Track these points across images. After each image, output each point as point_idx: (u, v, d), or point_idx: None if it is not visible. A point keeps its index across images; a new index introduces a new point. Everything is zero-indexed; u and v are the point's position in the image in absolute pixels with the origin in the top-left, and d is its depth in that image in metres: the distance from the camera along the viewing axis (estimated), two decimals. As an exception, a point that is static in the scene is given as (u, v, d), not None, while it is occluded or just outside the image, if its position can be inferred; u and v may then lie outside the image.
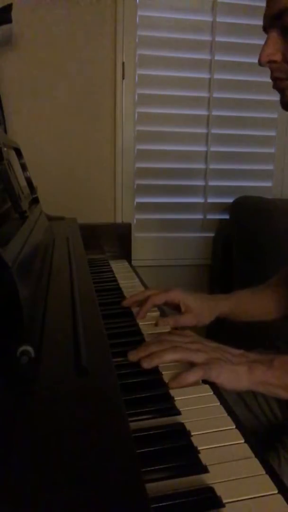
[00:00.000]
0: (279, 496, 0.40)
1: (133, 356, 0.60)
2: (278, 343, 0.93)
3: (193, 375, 0.56)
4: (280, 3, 0.62)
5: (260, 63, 0.66)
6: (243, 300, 0.88)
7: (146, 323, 0.78)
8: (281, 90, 0.69)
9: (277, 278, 0.94)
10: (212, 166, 1.73)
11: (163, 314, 0.83)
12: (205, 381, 0.59)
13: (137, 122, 1.64)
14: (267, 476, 0.42)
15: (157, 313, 0.83)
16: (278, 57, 0.65)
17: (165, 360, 0.58)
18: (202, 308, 0.81)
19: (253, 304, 0.88)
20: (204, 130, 1.70)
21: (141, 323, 0.78)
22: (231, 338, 0.80)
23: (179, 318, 0.79)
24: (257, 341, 0.81)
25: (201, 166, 1.73)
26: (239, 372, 0.57)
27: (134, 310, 0.82)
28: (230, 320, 0.87)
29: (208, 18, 1.62)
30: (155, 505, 0.37)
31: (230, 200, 1.70)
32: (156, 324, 0.77)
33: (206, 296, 0.85)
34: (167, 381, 0.58)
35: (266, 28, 0.67)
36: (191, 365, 0.58)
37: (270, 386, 0.58)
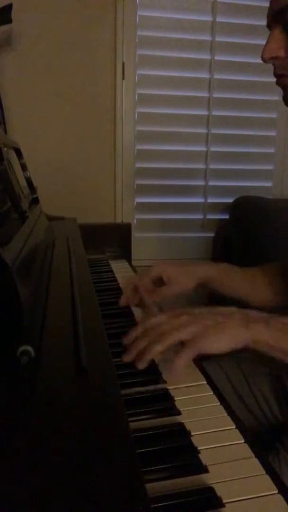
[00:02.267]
0: (279, 496, 0.40)
1: (126, 358, 0.58)
2: None
3: (182, 359, 0.53)
4: (283, 0, 0.62)
5: (263, 59, 0.66)
6: (229, 273, 0.85)
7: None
8: (284, 87, 0.69)
9: (272, 266, 0.92)
10: (212, 166, 1.73)
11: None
12: (206, 379, 0.59)
13: (137, 122, 1.64)
14: (267, 476, 0.42)
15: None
16: (281, 53, 0.65)
17: (155, 354, 0.55)
18: (182, 275, 0.80)
19: (237, 281, 0.86)
20: (204, 130, 1.70)
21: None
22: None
23: (162, 290, 0.78)
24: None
25: (201, 166, 1.73)
26: (233, 331, 0.55)
27: (134, 308, 0.83)
28: (212, 290, 0.85)
29: (208, 18, 1.62)
30: (155, 505, 0.37)
31: (230, 200, 1.70)
32: (142, 303, 0.77)
33: (189, 262, 0.84)
34: (166, 379, 0.58)
35: (269, 25, 0.66)
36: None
37: (266, 346, 0.56)
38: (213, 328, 0.55)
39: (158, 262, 0.83)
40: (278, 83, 0.69)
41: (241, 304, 0.87)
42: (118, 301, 0.85)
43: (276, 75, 0.68)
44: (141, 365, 0.56)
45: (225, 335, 0.54)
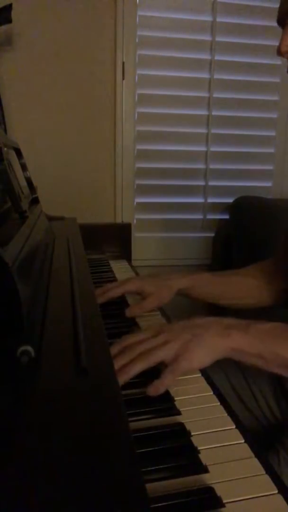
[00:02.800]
0: (279, 496, 0.40)
1: None
2: None
3: (166, 381, 0.54)
4: None
5: (280, 53, 0.69)
6: (203, 280, 0.89)
7: (146, 324, 0.78)
8: None
9: (251, 267, 0.95)
10: (212, 166, 1.73)
11: (163, 314, 0.84)
12: (206, 378, 0.59)
13: (137, 122, 1.64)
14: (267, 476, 0.42)
15: (157, 312, 0.84)
16: None
17: (134, 374, 0.55)
18: (160, 289, 0.83)
19: (213, 287, 0.90)
20: (204, 130, 1.70)
21: (141, 323, 0.78)
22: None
23: (142, 304, 0.81)
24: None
25: (201, 166, 1.73)
26: (213, 343, 0.55)
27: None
28: (189, 298, 0.89)
29: (208, 18, 1.62)
30: (155, 505, 0.37)
31: (230, 200, 1.70)
32: (125, 314, 0.79)
33: (163, 276, 0.86)
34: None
35: (282, 21, 0.68)
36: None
37: (246, 354, 0.56)
38: (192, 343, 0.55)
39: (131, 278, 0.88)
40: None
41: (219, 306, 0.92)
42: (118, 301, 0.86)
43: None
44: (122, 380, 0.54)
45: (205, 348, 0.55)
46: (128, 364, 0.55)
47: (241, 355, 0.56)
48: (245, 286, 0.92)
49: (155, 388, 0.53)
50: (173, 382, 0.55)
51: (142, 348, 0.56)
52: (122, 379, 0.53)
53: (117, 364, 0.55)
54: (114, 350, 0.58)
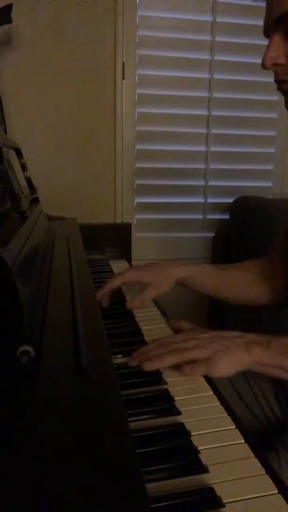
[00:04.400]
0: (279, 496, 0.40)
1: (133, 361, 0.60)
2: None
3: (195, 370, 0.59)
4: (283, 6, 0.62)
5: (264, 67, 0.67)
6: (203, 272, 0.89)
7: (146, 324, 0.78)
8: (285, 92, 0.70)
9: (248, 263, 0.96)
10: (212, 166, 1.73)
11: (163, 314, 0.84)
12: (206, 377, 0.60)
13: (137, 122, 1.64)
14: (267, 476, 0.42)
15: (157, 313, 0.84)
16: (282, 60, 0.65)
17: (166, 364, 0.59)
18: (159, 278, 0.83)
19: (212, 279, 0.90)
20: (204, 130, 1.70)
21: (141, 323, 0.78)
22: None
23: (142, 295, 0.82)
24: (259, 332, 0.82)
25: (201, 166, 1.73)
26: (237, 356, 0.59)
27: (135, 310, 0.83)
28: (189, 288, 0.89)
29: (208, 18, 1.62)
30: (155, 505, 0.37)
31: (230, 200, 1.70)
32: (125, 305, 0.81)
33: (162, 266, 0.86)
34: (166, 380, 0.58)
35: (267, 32, 0.67)
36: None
37: (267, 366, 0.60)
38: (220, 352, 0.59)
39: (130, 268, 0.88)
40: (279, 89, 0.70)
41: (219, 300, 0.93)
42: (118, 301, 0.86)
43: (277, 81, 0.69)
44: (148, 367, 0.58)
45: (231, 360, 0.59)
46: (162, 355, 0.59)
47: (263, 367, 0.60)
48: (244, 280, 0.92)
49: (191, 369, 0.59)
50: (203, 373, 0.60)
51: (175, 346, 0.61)
52: (155, 365, 0.58)
53: (151, 353, 0.60)
54: (150, 345, 0.63)
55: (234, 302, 0.93)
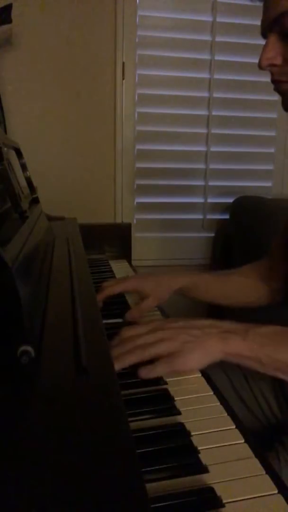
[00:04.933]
0: (279, 496, 0.40)
1: None
2: None
3: (156, 370, 0.55)
4: (280, 7, 0.63)
5: (260, 67, 0.67)
6: (201, 281, 0.90)
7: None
8: (282, 93, 0.70)
9: (245, 267, 0.96)
10: (212, 166, 1.73)
11: (163, 314, 0.84)
12: (205, 377, 0.59)
13: (137, 122, 1.64)
14: (267, 476, 0.42)
15: (157, 312, 0.84)
16: (278, 60, 0.66)
17: (128, 364, 0.56)
18: (158, 288, 0.83)
19: (211, 287, 0.90)
20: (204, 130, 1.70)
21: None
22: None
23: (141, 306, 0.81)
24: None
25: (201, 166, 1.73)
26: (209, 346, 0.55)
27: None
28: (189, 297, 0.90)
29: (208, 18, 1.62)
30: (155, 505, 0.37)
31: (230, 200, 1.70)
32: (127, 317, 0.80)
33: (161, 276, 0.86)
34: (166, 380, 0.58)
35: (264, 33, 0.67)
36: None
37: (244, 358, 0.56)
38: (189, 344, 0.55)
39: (130, 276, 0.90)
40: (276, 89, 0.70)
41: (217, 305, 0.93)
42: (118, 301, 0.86)
43: (273, 81, 0.69)
44: (116, 369, 0.54)
45: (201, 351, 0.55)
46: (122, 354, 0.56)
47: (239, 358, 0.56)
48: (242, 285, 0.93)
49: (147, 372, 0.55)
50: (164, 374, 0.56)
51: (140, 342, 0.57)
52: (118, 366, 0.55)
53: (115, 353, 0.56)
54: (113, 342, 0.59)
55: (233, 307, 0.94)
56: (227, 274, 0.95)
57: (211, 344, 0.55)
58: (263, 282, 0.92)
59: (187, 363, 0.55)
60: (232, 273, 0.95)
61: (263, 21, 0.67)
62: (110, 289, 0.83)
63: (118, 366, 0.55)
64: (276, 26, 0.64)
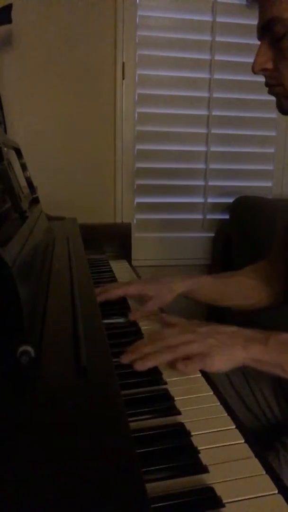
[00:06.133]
0: (279, 496, 0.40)
1: (125, 358, 0.60)
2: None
3: (190, 367, 0.58)
4: (268, 13, 0.64)
5: (253, 72, 0.70)
6: (203, 283, 0.91)
7: (146, 324, 0.78)
8: (275, 95, 0.71)
9: (247, 269, 0.97)
10: (212, 166, 1.73)
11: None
12: (205, 377, 0.60)
13: (137, 122, 1.64)
14: (267, 476, 0.42)
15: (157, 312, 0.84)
16: (270, 65, 0.69)
17: (160, 362, 0.59)
18: (160, 292, 0.85)
19: (211, 289, 0.92)
20: (204, 130, 1.70)
21: (141, 323, 0.78)
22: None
23: (145, 307, 0.83)
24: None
25: (201, 166, 1.73)
26: (234, 352, 0.58)
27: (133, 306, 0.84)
28: (192, 299, 0.92)
29: (208, 18, 1.62)
30: (155, 505, 0.37)
31: (230, 200, 1.70)
32: (131, 317, 0.81)
33: (164, 279, 0.88)
34: (166, 380, 0.58)
35: (259, 37, 0.69)
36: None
37: (264, 364, 0.59)
38: (216, 348, 0.58)
39: (133, 281, 0.91)
40: (269, 92, 0.73)
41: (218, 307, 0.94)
42: (118, 301, 0.86)
43: (267, 85, 0.71)
44: (139, 367, 0.58)
45: (226, 356, 0.58)
46: (156, 352, 0.59)
47: (260, 364, 0.59)
48: (243, 287, 0.93)
49: (185, 365, 0.57)
50: (197, 370, 0.59)
51: (173, 341, 0.60)
52: (147, 364, 0.58)
53: (143, 351, 0.59)
54: (143, 341, 0.63)
55: (236, 309, 0.95)
56: (229, 276, 0.96)
57: (235, 350, 0.58)
58: (264, 284, 0.92)
59: (215, 364, 0.58)
60: (233, 275, 0.96)
61: (257, 26, 0.69)
62: (112, 292, 0.84)
63: (149, 364, 0.58)
64: (267, 32, 0.66)
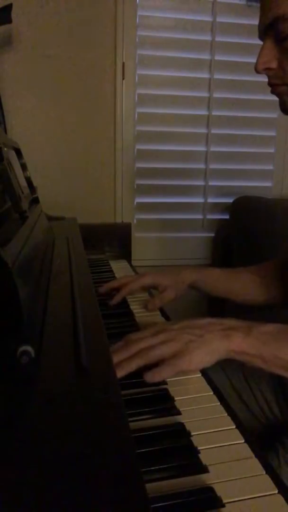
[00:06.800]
0: (279, 496, 0.40)
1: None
2: None
3: (163, 373, 0.54)
4: (273, 12, 0.64)
5: (256, 71, 0.70)
6: (213, 275, 0.92)
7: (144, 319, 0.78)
8: (278, 95, 0.71)
9: (262, 265, 0.97)
10: (212, 166, 1.73)
11: (162, 314, 0.84)
12: (205, 378, 0.59)
13: (137, 122, 1.64)
14: (267, 476, 0.42)
15: (157, 312, 0.84)
16: (273, 64, 0.68)
17: (133, 369, 0.55)
18: (175, 281, 0.88)
19: (223, 282, 0.93)
20: (204, 130, 1.70)
21: (141, 323, 0.78)
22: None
23: (163, 296, 0.85)
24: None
25: (201, 166, 1.73)
26: (213, 344, 0.55)
27: (133, 307, 0.84)
28: (200, 291, 0.93)
29: (208, 18, 1.62)
30: (155, 505, 0.37)
31: (230, 200, 1.70)
32: (146, 308, 0.83)
33: (174, 271, 0.90)
34: (166, 380, 0.58)
35: (261, 37, 0.68)
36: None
37: (247, 355, 0.56)
38: (193, 343, 0.55)
39: (145, 272, 0.91)
40: (272, 91, 0.72)
41: (229, 301, 0.95)
42: (118, 301, 0.86)
43: (270, 84, 0.70)
44: (119, 374, 0.54)
45: (205, 350, 0.55)
46: (126, 359, 0.55)
47: (242, 356, 0.56)
48: (252, 283, 0.93)
49: (152, 376, 0.53)
50: (170, 376, 0.55)
51: (142, 345, 0.56)
52: (119, 373, 0.53)
53: (116, 358, 0.55)
54: (115, 346, 0.58)
55: (243, 304, 0.95)
56: (238, 271, 0.96)
57: (215, 342, 0.55)
58: (274, 282, 0.92)
59: (192, 362, 0.54)
60: (242, 271, 0.96)
61: (259, 25, 0.68)
62: (129, 287, 0.86)
63: (122, 372, 0.54)
64: (271, 30, 0.65)
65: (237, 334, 0.56)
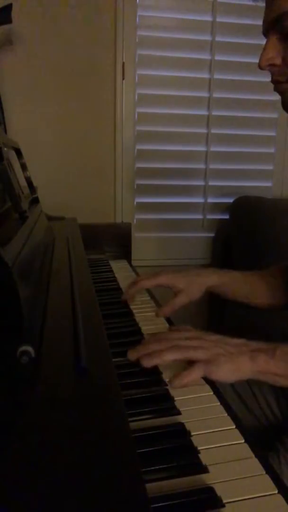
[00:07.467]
0: (279, 496, 0.40)
1: (132, 355, 0.60)
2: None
3: (194, 374, 0.56)
4: (279, 8, 0.63)
5: (260, 67, 0.67)
6: (232, 279, 0.90)
7: (146, 324, 0.78)
8: (281, 93, 0.70)
9: (273, 268, 0.96)
10: (212, 166, 1.73)
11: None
12: (205, 378, 0.59)
13: (137, 122, 1.64)
14: (267, 476, 0.42)
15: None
16: (278, 61, 0.66)
17: (166, 360, 0.58)
18: (191, 285, 0.84)
19: (242, 285, 0.91)
20: (204, 130, 1.70)
21: (141, 323, 0.78)
22: (231, 330, 0.81)
23: (173, 302, 0.83)
24: (258, 332, 0.82)
25: (201, 166, 1.73)
26: (240, 363, 0.57)
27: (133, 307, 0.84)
28: (218, 295, 0.90)
29: (208, 18, 1.62)
30: (155, 505, 0.37)
31: (230, 200, 1.70)
32: (156, 315, 0.81)
33: (195, 271, 0.88)
34: (167, 380, 0.58)
35: (265, 33, 0.67)
36: (189, 362, 0.58)
37: (271, 375, 0.58)
38: (223, 357, 0.57)
39: (164, 268, 0.88)
40: (275, 89, 0.71)
41: (244, 304, 0.93)
42: (118, 301, 0.86)
43: (273, 81, 0.69)
44: (147, 363, 0.57)
45: (232, 366, 0.57)
46: (163, 350, 0.57)
47: (267, 376, 0.58)
48: (271, 286, 0.92)
49: (188, 373, 0.56)
50: (199, 377, 0.57)
51: (177, 343, 0.59)
52: (154, 361, 0.57)
53: (150, 348, 0.58)
54: (146, 339, 0.61)
55: (262, 307, 0.93)
56: (257, 274, 0.94)
57: (242, 362, 0.57)
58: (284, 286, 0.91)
59: (219, 372, 0.56)
60: (261, 274, 0.94)
61: (264, 21, 0.67)
62: (143, 283, 0.84)
63: (154, 361, 0.57)
64: (277, 26, 0.64)
65: (262, 355, 0.58)
